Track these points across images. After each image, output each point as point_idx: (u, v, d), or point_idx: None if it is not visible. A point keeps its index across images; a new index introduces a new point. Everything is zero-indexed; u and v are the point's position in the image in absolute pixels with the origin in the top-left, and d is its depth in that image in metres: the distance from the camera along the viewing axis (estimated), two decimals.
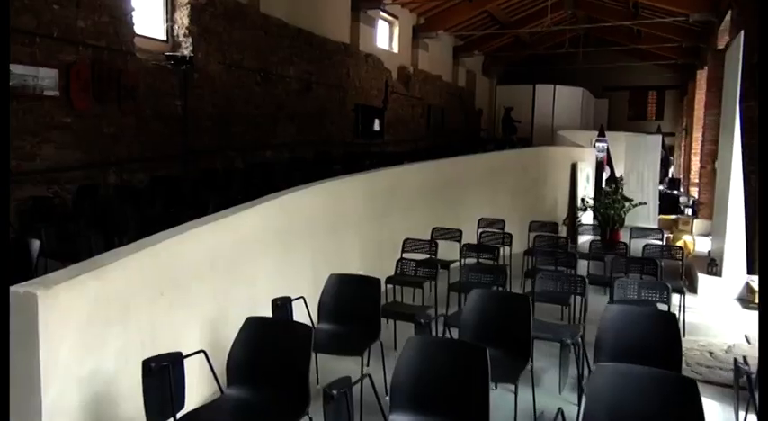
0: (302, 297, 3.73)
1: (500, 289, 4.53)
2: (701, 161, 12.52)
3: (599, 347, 3.16)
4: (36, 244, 4.07)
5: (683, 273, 6.24)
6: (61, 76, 7.26)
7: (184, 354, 2.56)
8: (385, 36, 16.90)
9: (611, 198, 9.81)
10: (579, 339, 3.56)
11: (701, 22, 16.35)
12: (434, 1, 16.98)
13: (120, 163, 8.19)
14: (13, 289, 2.32)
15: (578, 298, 4.34)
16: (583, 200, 10.34)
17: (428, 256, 6.21)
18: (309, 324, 3.82)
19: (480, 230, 7.48)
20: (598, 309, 4.50)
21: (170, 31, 9.37)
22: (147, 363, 2.37)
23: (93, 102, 7.73)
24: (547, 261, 5.49)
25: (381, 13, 16.05)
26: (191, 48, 9.30)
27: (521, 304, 3.36)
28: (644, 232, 7.30)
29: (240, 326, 4.14)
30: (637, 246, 6.70)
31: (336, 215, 5.77)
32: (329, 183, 5.61)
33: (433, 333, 3.98)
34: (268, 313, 4.59)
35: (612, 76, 27.28)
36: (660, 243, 6.91)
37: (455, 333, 3.58)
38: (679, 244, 7.60)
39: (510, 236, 6.46)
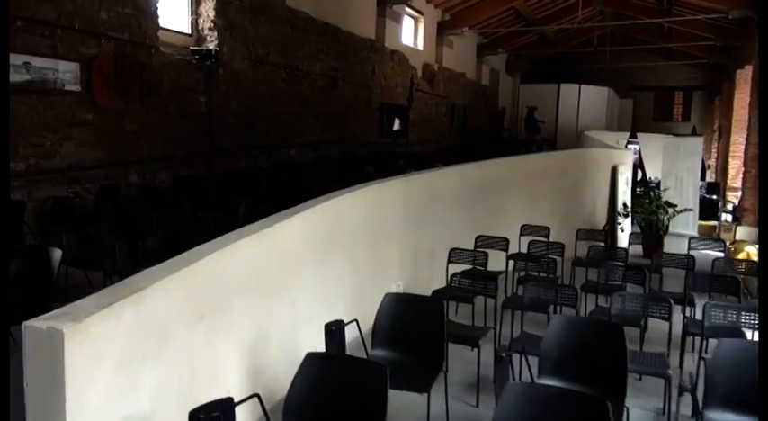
0: (355, 320, 3.29)
1: (561, 308, 4.05)
2: (744, 165, 11.90)
3: (711, 390, 2.68)
4: (57, 254, 3.67)
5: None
6: (83, 70, 6.89)
7: (236, 400, 2.12)
8: (410, 32, 16.43)
9: (654, 203, 9.28)
10: (691, 377, 3.06)
11: (739, 20, 15.69)
12: None
13: (143, 162, 7.81)
14: (32, 323, 1.90)
15: (659, 321, 3.85)
16: (625, 205, 9.81)
17: (471, 267, 5.77)
18: (363, 350, 3.40)
19: (523, 237, 7.01)
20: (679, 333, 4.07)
21: (194, 24, 8.97)
22: (195, 416, 1.94)
23: (115, 97, 7.36)
24: (612, 275, 5.00)
25: (407, 9, 15.58)
26: (216, 42, 8.90)
27: (613, 333, 2.90)
28: (703, 242, 6.78)
29: (280, 351, 3.76)
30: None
31: (377, 222, 5.33)
32: (370, 187, 5.17)
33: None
34: (311, 335, 4.19)
35: (637, 75, 26.54)
36: (721, 254, 6.39)
37: (533, 363, 3.11)
38: (741, 256, 7.07)
39: (561, 245, 5.98)
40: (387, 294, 3.41)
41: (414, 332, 3.27)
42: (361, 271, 5.07)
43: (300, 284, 4.03)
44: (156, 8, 7.87)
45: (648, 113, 29.26)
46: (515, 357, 3.19)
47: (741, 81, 15.01)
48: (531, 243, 6.14)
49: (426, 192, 6.24)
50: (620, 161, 10.26)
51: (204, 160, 8.85)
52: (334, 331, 2.98)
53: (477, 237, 6.22)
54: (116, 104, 7.39)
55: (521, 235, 7.07)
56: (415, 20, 16.72)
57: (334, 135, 12.14)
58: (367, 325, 5.14)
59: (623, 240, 9.41)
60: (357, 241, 4.98)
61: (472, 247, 6.11)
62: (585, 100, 24.55)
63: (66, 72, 6.69)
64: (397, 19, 14.93)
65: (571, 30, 22.25)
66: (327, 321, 4.59)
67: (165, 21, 8.18)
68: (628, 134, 21.13)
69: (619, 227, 9.59)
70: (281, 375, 3.71)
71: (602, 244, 8.98)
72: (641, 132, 23.43)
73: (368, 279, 5.23)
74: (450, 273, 6.27)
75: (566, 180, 8.91)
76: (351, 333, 3.40)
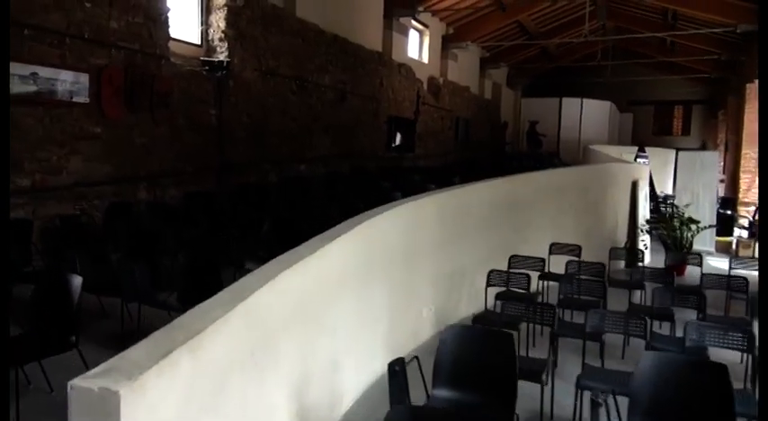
0: (416, 357, 2.95)
1: (628, 339, 3.71)
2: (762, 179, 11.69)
3: None
4: (77, 281, 3.31)
5: None
6: (92, 81, 6.55)
7: None
8: (415, 45, 16.24)
9: (678, 220, 9.02)
10: None
11: (745, 34, 15.63)
12: (466, 9, 16.34)
13: (152, 177, 7.46)
14: (80, 383, 1.55)
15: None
16: (648, 221, 9.54)
17: (505, 289, 5.44)
18: (423, 389, 3.05)
19: (552, 256, 6.70)
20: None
21: (204, 34, 8.68)
22: None
23: (124, 110, 7.02)
24: (663, 298, 4.67)
25: (413, 22, 15.40)
26: (226, 53, 8.60)
27: (715, 374, 2.57)
28: (742, 261, 6.50)
29: (321, 390, 3.41)
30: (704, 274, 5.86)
31: (410, 242, 5.00)
32: (404, 205, 4.84)
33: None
34: (349, 368, 3.85)
35: (637, 89, 26.49)
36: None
37: (621, 402, 2.77)
38: None
39: (600, 266, 5.66)
40: (448, 327, 3.07)
41: (480, 369, 2.93)
42: (396, 294, 4.74)
43: (340, 313, 3.69)
44: (167, 17, 7.57)
45: (648, 127, 29.22)
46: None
47: (751, 95, 14.87)
48: (568, 263, 5.82)
49: (456, 209, 5.92)
50: (641, 176, 10.02)
51: (214, 175, 8.51)
52: (399, 371, 2.63)
53: (512, 257, 5.89)
54: (125, 117, 7.05)
55: (550, 253, 6.76)
56: (421, 33, 16.55)
57: (343, 149, 11.85)
58: (397, 353, 4.82)
59: (646, 257, 9.11)
60: (392, 263, 4.65)
61: (503, 267, 5.79)
62: (588, 114, 24.44)
63: (74, 83, 6.35)
64: (404, 31, 14.73)
65: (573, 44, 22.20)
66: (364, 352, 4.27)
67: (174, 31, 7.87)
68: (632, 148, 21.02)
69: (642, 243, 9.31)
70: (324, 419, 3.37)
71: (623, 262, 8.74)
72: (656, 146, 23.38)
73: (402, 303, 4.89)
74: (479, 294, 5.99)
75: (588, 195, 8.64)
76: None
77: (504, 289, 5.47)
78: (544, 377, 3.41)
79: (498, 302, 5.31)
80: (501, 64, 21.66)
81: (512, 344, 2.92)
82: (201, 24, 8.61)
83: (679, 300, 4.74)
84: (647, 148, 16.78)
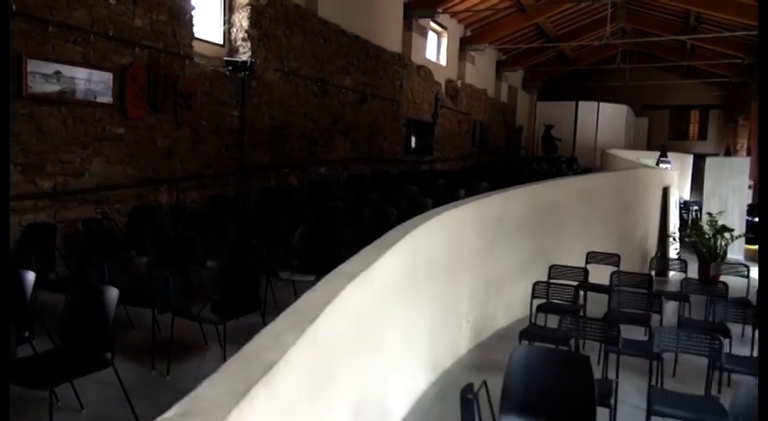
0: (484, 382, 2.70)
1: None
2: None
3: None
4: (113, 293, 3.08)
5: None
6: (115, 80, 6.35)
7: None
8: (433, 47, 16.01)
9: (713, 228, 8.72)
10: None
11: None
12: (486, 11, 16.10)
13: (174, 180, 7.25)
14: None
15: None
16: (687, 227, 9.23)
17: (545, 300, 5.19)
18: (490, 416, 2.80)
19: (589, 265, 6.42)
20: None
21: (226, 34, 8.48)
22: None
23: (147, 111, 6.82)
24: (717, 313, 4.41)
25: (432, 24, 15.17)
26: (249, 53, 8.40)
27: None
28: None
29: (376, 411, 3.18)
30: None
31: (452, 253, 4.76)
32: (447, 213, 4.60)
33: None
34: (398, 392, 3.62)
35: (652, 93, 26.13)
36: None
37: None
38: None
39: (649, 277, 5.39)
40: (516, 347, 2.82)
41: (554, 395, 2.68)
42: (437, 307, 4.50)
43: (388, 329, 3.46)
44: (191, 16, 7.37)
45: (664, 132, 28.85)
46: None
47: None
48: (613, 274, 5.55)
49: (494, 217, 5.67)
50: (670, 182, 9.73)
51: (235, 178, 8.30)
52: (472, 400, 2.39)
53: (552, 267, 5.63)
54: (148, 118, 6.85)
55: (587, 262, 6.48)
56: (439, 35, 16.32)
57: (362, 152, 11.62)
58: (437, 369, 4.58)
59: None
60: (435, 274, 4.41)
61: (538, 277, 5.53)
62: (604, 118, 24.12)
63: (98, 82, 6.15)
64: (423, 33, 14.50)
65: (590, 47, 21.92)
66: (407, 370, 4.04)
67: (196, 30, 7.67)
68: (650, 153, 20.68)
69: (675, 252, 9.01)
70: None
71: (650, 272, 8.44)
72: (655, 151, 23.02)
73: (442, 316, 4.66)
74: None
75: (618, 202, 8.36)
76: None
77: (544, 300, 5.22)
78: (612, 400, 3.15)
79: (542, 314, 5.10)
80: (517, 67, 21.38)
81: (589, 368, 2.67)
82: (224, 24, 8.41)
83: (732, 315, 4.48)
84: (669, 154, 16.46)
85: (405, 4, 13.45)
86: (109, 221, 6.22)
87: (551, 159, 19.69)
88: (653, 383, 3.41)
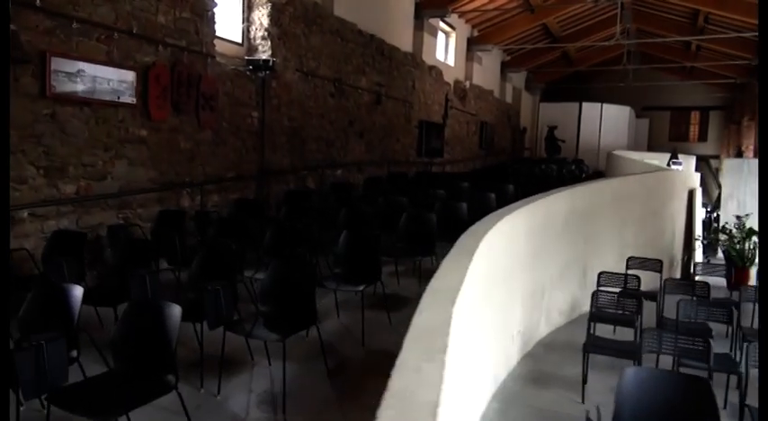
0: (598, 408, 2.47)
1: None
2: None
3: None
4: (176, 311, 2.82)
5: None
6: (138, 79, 6.07)
7: None
8: (441, 47, 15.80)
9: (742, 232, 8.56)
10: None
11: None
12: (494, 11, 15.92)
13: (196, 184, 6.98)
14: None
15: None
16: (718, 230, 9.04)
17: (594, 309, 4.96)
18: None
19: (630, 272, 6.22)
20: None
21: (245, 32, 8.21)
22: None
23: (170, 112, 6.54)
24: None
25: (441, 23, 14.96)
26: (269, 52, 8.13)
27: None
28: None
29: None
30: None
31: (509, 260, 4.54)
32: (507, 218, 4.38)
33: None
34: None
35: (653, 95, 26.08)
36: None
37: None
38: None
39: (706, 285, 5.17)
40: (627, 370, 2.59)
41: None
42: (495, 318, 4.27)
43: (475, 344, 3.23)
44: (213, 13, 7.10)
45: (664, 133, 28.84)
46: None
47: None
48: (666, 281, 5.33)
49: (540, 222, 5.46)
50: (696, 185, 9.57)
51: (254, 181, 8.03)
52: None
53: (601, 274, 5.42)
54: (170, 119, 6.57)
55: (627, 268, 6.28)
56: (447, 35, 16.11)
57: (377, 154, 11.38)
58: (494, 384, 4.35)
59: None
60: (494, 284, 4.18)
61: (579, 283, 5.34)
62: (607, 119, 24.05)
63: (121, 82, 5.86)
64: (433, 33, 14.29)
65: (594, 48, 21.81)
66: (475, 385, 3.80)
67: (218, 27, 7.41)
68: (655, 154, 20.58)
69: (704, 257, 8.85)
70: None
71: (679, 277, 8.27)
72: (658, 152, 22.96)
73: (499, 327, 4.43)
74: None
75: (648, 206, 8.17)
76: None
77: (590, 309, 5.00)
78: None
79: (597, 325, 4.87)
80: (522, 67, 21.22)
81: (710, 392, 2.45)
82: (243, 21, 8.14)
83: None
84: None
85: (416, 4, 13.23)
86: (132, 227, 5.94)
87: (558, 161, 19.56)
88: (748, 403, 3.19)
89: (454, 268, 2.84)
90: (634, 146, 25.72)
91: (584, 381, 4.02)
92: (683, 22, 18.30)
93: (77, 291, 3.13)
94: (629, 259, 6.38)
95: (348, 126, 10.26)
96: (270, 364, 4.01)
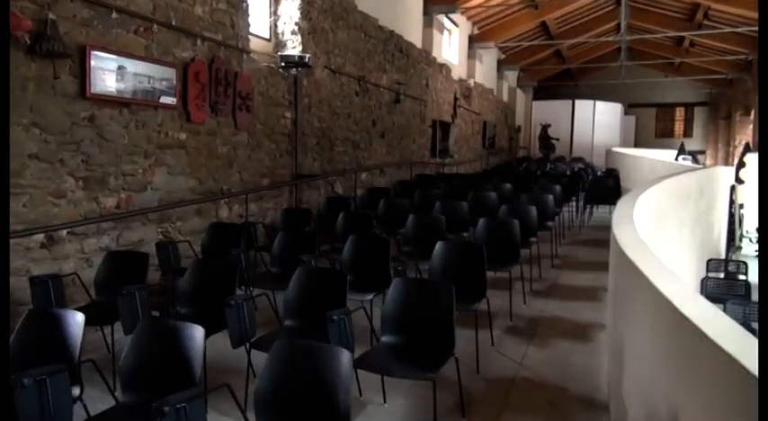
0: None
1: None
2: None
3: None
4: (346, 356, 2.24)
5: None
6: (177, 77, 5.42)
7: None
8: (446, 45, 15.36)
9: None
10: None
11: None
12: (497, 7, 15.56)
13: (238, 193, 6.35)
14: None
15: None
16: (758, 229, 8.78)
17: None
18: None
19: (711, 276, 5.85)
20: None
21: (272, 27, 7.59)
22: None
23: (209, 113, 5.90)
24: None
25: (445, 20, 14.51)
26: (299, 48, 7.53)
27: None
28: None
29: None
30: None
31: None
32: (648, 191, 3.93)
33: None
34: None
35: (639, 92, 26.15)
36: None
37: None
38: None
39: None
40: None
41: None
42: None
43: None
44: (248, 4, 6.48)
45: (650, 130, 29.04)
46: None
47: None
48: None
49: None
50: (736, 181, 9.31)
51: (290, 188, 7.42)
52: None
53: (706, 279, 5.00)
54: (209, 122, 5.93)
55: (708, 271, 5.91)
56: (450, 32, 15.68)
57: (396, 155, 10.86)
58: None
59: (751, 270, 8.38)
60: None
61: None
62: (600, 116, 24.00)
63: (161, 80, 5.21)
64: (441, 30, 13.83)
65: (588, 45, 21.71)
66: None
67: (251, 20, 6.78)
68: (653, 151, 20.55)
69: (755, 252, 8.57)
70: None
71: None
72: (645, 148, 23.00)
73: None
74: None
75: (701, 203, 7.85)
76: None
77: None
78: None
79: None
80: (517, 65, 20.93)
81: None
82: (270, 15, 7.52)
83: None
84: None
85: (424, 0, 12.76)
86: (180, 243, 5.27)
87: (560, 160, 19.32)
88: None
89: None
90: (623, 143, 25.78)
91: None
92: (680, 17, 18.26)
93: (78, 318, 2.61)
94: (709, 261, 6.01)
95: (372, 126, 9.71)
96: (385, 402, 3.44)
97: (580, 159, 18.89)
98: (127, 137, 4.96)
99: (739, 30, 15.83)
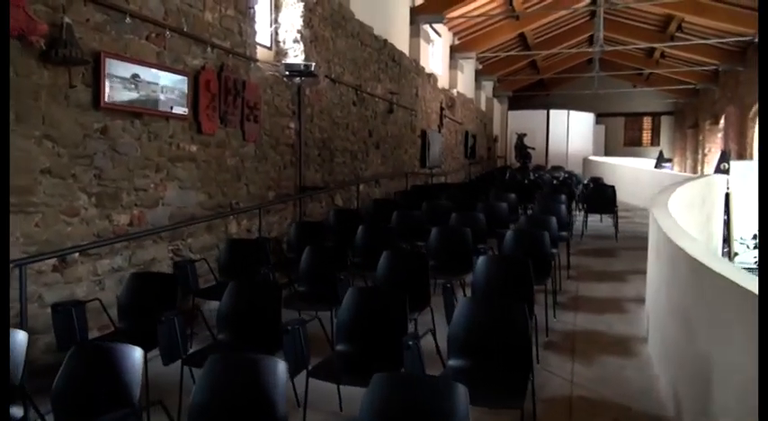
0: None
1: None
2: None
3: None
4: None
5: None
6: (189, 86, 5.13)
7: None
8: (431, 55, 15.31)
9: None
10: None
11: (744, 44, 15.79)
12: (478, 17, 15.62)
13: (250, 208, 6.06)
14: None
15: None
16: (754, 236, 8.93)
17: None
18: None
19: None
20: None
21: (273, 35, 7.35)
22: None
23: (218, 123, 5.62)
24: None
25: (429, 30, 14.47)
26: (301, 57, 7.30)
27: None
28: None
29: None
30: None
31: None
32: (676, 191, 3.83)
33: None
34: None
35: (608, 101, 26.69)
36: None
37: None
38: None
39: None
40: None
41: None
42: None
43: None
44: (254, 11, 6.24)
45: (619, 138, 29.70)
46: None
47: None
48: None
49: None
50: (732, 188, 9.47)
51: (294, 201, 7.16)
52: None
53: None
54: (218, 133, 5.64)
55: None
56: (433, 42, 15.65)
57: (390, 166, 10.69)
58: None
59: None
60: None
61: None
62: (574, 125, 24.37)
63: (173, 89, 4.92)
64: (427, 39, 13.77)
65: (562, 55, 22.04)
66: None
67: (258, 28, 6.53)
68: (630, 159, 20.94)
69: (754, 260, 8.69)
70: None
71: None
72: (613, 157, 23.47)
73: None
74: None
75: (703, 211, 7.92)
76: None
77: None
78: None
79: None
80: (494, 75, 21.07)
81: None
82: (272, 23, 7.28)
83: None
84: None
85: (410, 9, 12.69)
86: (195, 262, 4.96)
87: (525, 168, 19.46)
88: None
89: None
90: (595, 151, 26.25)
91: None
92: (653, 29, 18.70)
93: (137, 354, 2.36)
94: None
95: (368, 137, 9.53)
96: None
97: (560, 168, 19.06)
98: (139, 149, 4.65)
99: (710, 41, 16.28)
